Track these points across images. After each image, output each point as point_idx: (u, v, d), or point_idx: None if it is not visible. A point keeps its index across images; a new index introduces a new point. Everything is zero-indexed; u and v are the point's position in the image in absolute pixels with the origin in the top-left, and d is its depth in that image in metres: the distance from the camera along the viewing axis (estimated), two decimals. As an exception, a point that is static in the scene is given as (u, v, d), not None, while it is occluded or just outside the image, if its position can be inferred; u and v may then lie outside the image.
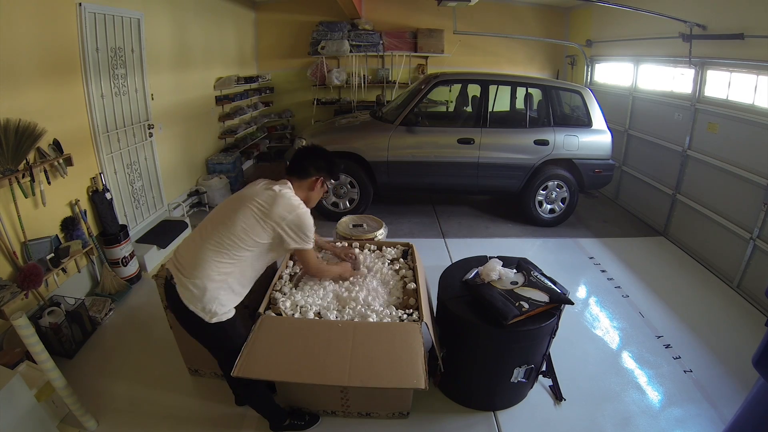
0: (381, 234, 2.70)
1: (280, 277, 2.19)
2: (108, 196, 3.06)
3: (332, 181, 1.91)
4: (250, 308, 2.03)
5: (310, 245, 1.76)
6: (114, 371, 2.32)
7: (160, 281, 2.03)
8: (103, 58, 3.04)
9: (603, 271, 3.56)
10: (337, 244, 2.49)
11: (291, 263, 2.33)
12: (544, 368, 2.22)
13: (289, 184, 1.75)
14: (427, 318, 1.85)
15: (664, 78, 4.41)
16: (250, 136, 5.99)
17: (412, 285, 2.13)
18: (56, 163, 2.59)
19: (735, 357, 2.53)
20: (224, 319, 1.62)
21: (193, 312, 1.57)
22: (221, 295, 1.60)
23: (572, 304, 1.97)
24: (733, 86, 3.50)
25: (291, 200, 1.67)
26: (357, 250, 2.39)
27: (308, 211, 1.72)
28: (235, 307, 1.68)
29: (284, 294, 2.02)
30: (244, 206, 1.62)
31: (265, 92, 6.49)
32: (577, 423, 2.09)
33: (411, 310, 1.93)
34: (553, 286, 2.00)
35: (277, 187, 1.69)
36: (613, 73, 5.50)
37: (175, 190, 4.25)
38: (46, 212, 2.57)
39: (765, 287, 2.39)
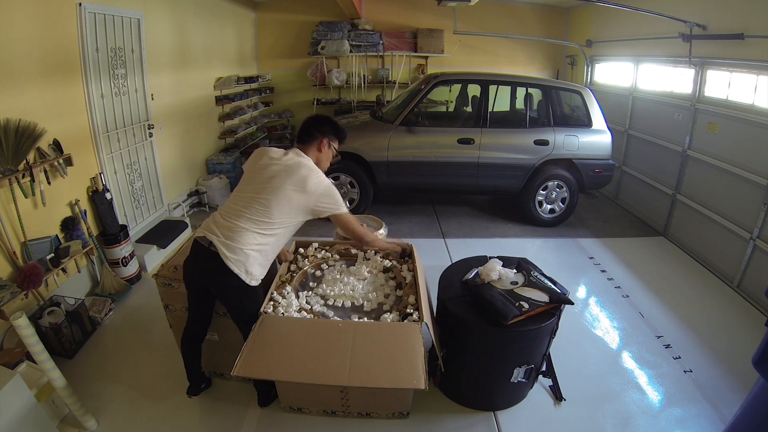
0: (381, 234, 2.70)
1: (280, 278, 2.19)
2: (108, 196, 3.06)
3: (338, 144, 2.01)
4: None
5: (344, 208, 1.88)
6: (114, 371, 2.32)
7: (162, 281, 2.04)
8: (103, 58, 3.04)
9: (603, 271, 3.56)
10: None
11: (293, 266, 2.33)
12: (544, 368, 2.22)
13: (300, 152, 1.87)
14: (427, 318, 1.85)
15: (664, 78, 4.41)
16: (250, 136, 5.99)
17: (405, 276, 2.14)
18: (56, 163, 2.59)
19: (735, 357, 2.53)
20: (258, 283, 1.80)
21: (237, 275, 1.70)
22: (258, 261, 1.76)
23: (572, 304, 1.97)
24: (733, 86, 3.50)
25: (314, 170, 1.81)
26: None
27: (329, 180, 1.85)
28: None
29: (283, 297, 2.02)
30: (278, 189, 1.73)
31: (265, 92, 6.49)
32: (577, 423, 2.09)
33: (411, 310, 1.93)
34: (553, 286, 2.00)
35: (299, 160, 1.81)
36: (613, 73, 5.50)
37: (175, 190, 4.25)
38: (46, 212, 2.57)
39: (765, 287, 2.39)
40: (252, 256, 1.72)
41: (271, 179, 1.75)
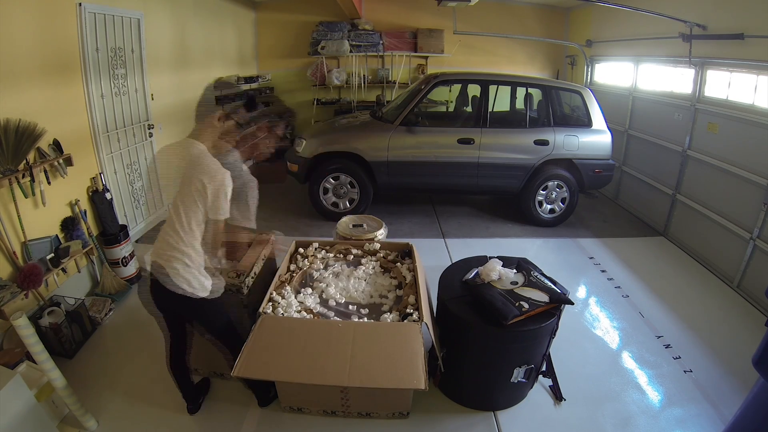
0: (381, 234, 2.70)
1: (280, 278, 2.19)
2: (108, 196, 3.06)
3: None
4: (249, 308, 2.04)
5: (225, 216, 1.70)
6: (114, 371, 2.32)
7: (145, 283, 2.03)
8: (103, 58, 3.04)
9: (603, 271, 3.56)
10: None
11: (293, 266, 2.33)
12: (544, 368, 2.22)
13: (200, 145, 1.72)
14: (427, 318, 1.85)
15: (664, 78, 4.41)
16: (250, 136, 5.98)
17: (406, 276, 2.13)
18: (56, 163, 2.59)
19: (735, 357, 2.53)
20: (207, 293, 1.71)
21: (182, 295, 1.63)
22: (197, 272, 1.68)
23: (572, 304, 1.97)
24: (733, 86, 3.50)
25: (215, 171, 1.65)
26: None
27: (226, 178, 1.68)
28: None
29: (283, 297, 2.02)
30: (188, 197, 1.64)
31: (265, 92, 6.49)
32: (577, 423, 2.09)
33: (411, 310, 1.93)
34: (553, 286, 2.00)
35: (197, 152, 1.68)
36: (613, 73, 5.50)
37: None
38: (46, 212, 2.57)
39: (765, 287, 2.39)
40: (189, 271, 1.65)
41: (183, 194, 1.65)
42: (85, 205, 2.91)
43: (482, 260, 2.24)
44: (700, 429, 2.09)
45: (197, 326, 1.92)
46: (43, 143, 2.50)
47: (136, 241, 3.44)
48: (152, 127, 3.70)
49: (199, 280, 1.68)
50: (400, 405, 2.00)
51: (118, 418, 2.03)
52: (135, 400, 2.14)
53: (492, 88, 4.35)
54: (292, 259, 2.39)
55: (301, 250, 2.46)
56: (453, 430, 2.03)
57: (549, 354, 2.16)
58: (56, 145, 2.60)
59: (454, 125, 4.64)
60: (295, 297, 2.05)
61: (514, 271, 2.13)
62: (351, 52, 6.33)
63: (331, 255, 2.45)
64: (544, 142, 4.13)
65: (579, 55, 6.10)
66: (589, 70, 5.92)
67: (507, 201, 4.83)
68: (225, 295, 1.81)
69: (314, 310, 1.98)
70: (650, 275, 3.49)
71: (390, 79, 6.60)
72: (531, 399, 2.19)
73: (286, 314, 1.91)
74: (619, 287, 3.31)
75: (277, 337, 1.76)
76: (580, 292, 3.28)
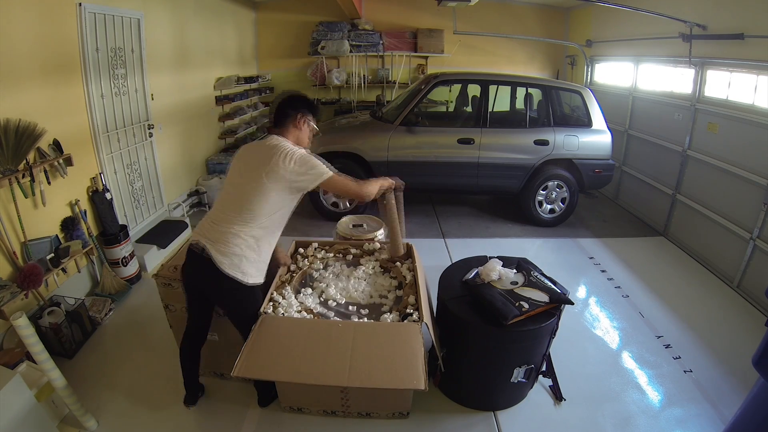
0: (381, 234, 2.70)
1: (280, 278, 2.19)
2: (108, 196, 3.06)
3: (314, 118, 1.94)
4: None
5: (329, 172, 1.76)
6: (114, 371, 2.32)
7: (162, 281, 2.04)
8: (103, 58, 3.03)
9: (603, 271, 3.56)
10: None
11: (293, 266, 2.32)
12: (544, 368, 2.22)
13: (276, 136, 1.81)
14: (427, 318, 1.85)
15: (664, 78, 4.41)
16: (250, 136, 5.99)
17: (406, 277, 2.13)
18: (56, 163, 2.59)
19: (735, 357, 2.53)
20: (255, 281, 1.76)
21: (233, 278, 1.68)
22: (253, 259, 1.73)
23: (572, 304, 1.97)
24: (733, 86, 3.50)
25: (286, 149, 1.71)
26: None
27: (304, 151, 1.77)
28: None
29: (284, 297, 2.02)
30: (255, 181, 1.68)
31: (265, 92, 6.49)
32: (577, 423, 2.09)
33: (411, 310, 1.93)
34: (553, 286, 2.00)
35: (273, 144, 1.75)
36: (613, 73, 5.50)
37: (175, 190, 4.25)
38: (46, 212, 2.57)
39: (765, 287, 2.39)
40: (246, 256, 1.70)
41: (248, 174, 1.72)
42: (85, 205, 2.91)
43: (482, 260, 2.24)
44: (700, 429, 2.09)
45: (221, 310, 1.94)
46: (43, 143, 2.49)
47: (137, 241, 3.44)
48: (152, 127, 3.70)
49: (252, 267, 1.73)
50: (400, 405, 2.00)
51: (118, 418, 2.03)
52: (135, 399, 2.14)
53: (492, 88, 4.34)
54: (292, 259, 2.39)
55: (301, 250, 2.46)
56: (453, 430, 2.03)
57: (549, 354, 2.16)
58: (56, 145, 2.60)
59: (454, 125, 4.64)
60: (296, 297, 2.05)
61: (514, 271, 2.13)
62: (351, 52, 6.33)
63: (331, 255, 2.45)
64: (544, 142, 4.13)
65: (579, 55, 6.10)
66: (589, 70, 5.92)
67: (507, 201, 4.83)
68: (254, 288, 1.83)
69: (314, 311, 1.98)
70: (650, 275, 3.49)
71: (390, 79, 6.60)
72: (531, 399, 2.19)
73: (286, 314, 1.91)
74: (619, 287, 3.31)
75: (277, 337, 1.76)
76: (580, 292, 3.28)
